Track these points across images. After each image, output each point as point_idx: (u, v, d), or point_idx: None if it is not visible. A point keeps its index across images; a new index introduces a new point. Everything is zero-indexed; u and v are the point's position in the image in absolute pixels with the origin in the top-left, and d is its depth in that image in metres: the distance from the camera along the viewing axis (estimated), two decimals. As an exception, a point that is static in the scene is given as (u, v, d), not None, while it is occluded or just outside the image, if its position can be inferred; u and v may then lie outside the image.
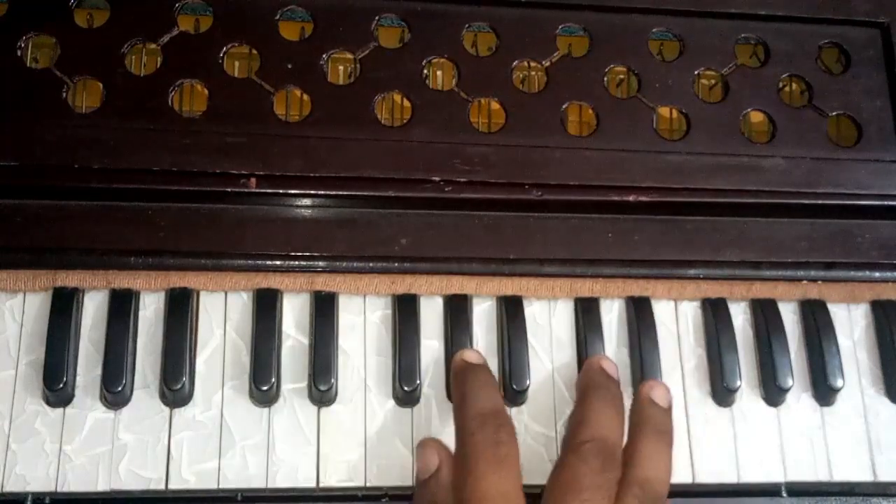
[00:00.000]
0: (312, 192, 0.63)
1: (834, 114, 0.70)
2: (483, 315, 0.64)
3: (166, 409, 0.59)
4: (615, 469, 0.55)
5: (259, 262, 0.63)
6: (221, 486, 0.58)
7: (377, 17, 0.68)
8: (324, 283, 0.63)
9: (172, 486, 0.58)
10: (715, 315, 0.65)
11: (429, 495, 0.56)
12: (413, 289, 0.63)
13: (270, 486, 0.59)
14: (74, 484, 0.57)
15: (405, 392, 0.60)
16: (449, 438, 0.60)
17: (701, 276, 0.66)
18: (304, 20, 0.68)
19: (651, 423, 0.58)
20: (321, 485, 0.59)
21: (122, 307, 0.60)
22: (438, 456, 0.57)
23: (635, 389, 0.62)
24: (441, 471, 0.56)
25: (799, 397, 0.65)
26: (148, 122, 0.63)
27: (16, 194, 0.61)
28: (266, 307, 0.61)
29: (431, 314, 0.63)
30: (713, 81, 0.71)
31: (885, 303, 0.67)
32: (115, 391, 0.58)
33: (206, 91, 0.64)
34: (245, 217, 0.63)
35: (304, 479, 0.59)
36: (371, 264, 0.63)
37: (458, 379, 0.59)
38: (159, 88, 0.64)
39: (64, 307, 0.60)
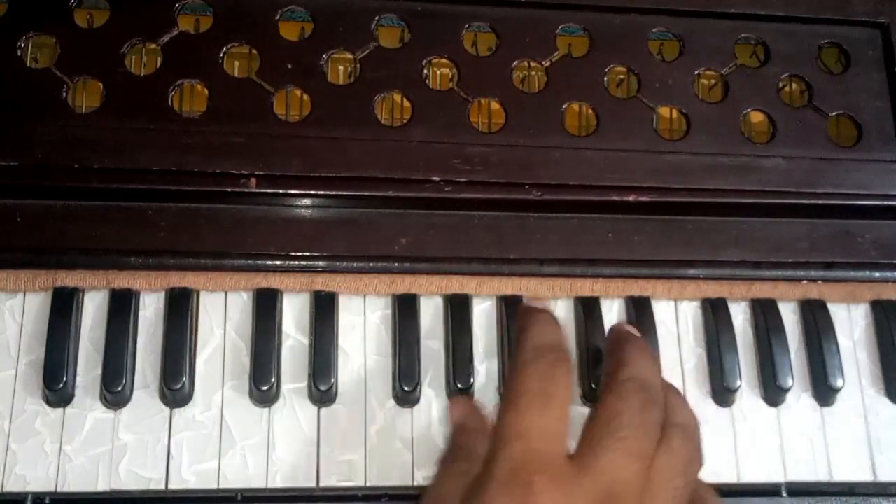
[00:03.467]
0: (312, 192, 0.63)
1: (834, 114, 0.70)
2: (483, 315, 0.64)
3: (166, 409, 0.59)
4: (657, 411, 0.52)
5: (259, 262, 0.63)
6: (221, 486, 0.58)
7: (377, 17, 0.68)
8: (324, 283, 0.63)
9: (172, 486, 0.58)
10: (715, 315, 0.65)
11: (451, 442, 0.55)
12: (413, 289, 0.63)
13: (270, 486, 0.59)
14: (74, 484, 0.57)
15: (405, 392, 0.60)
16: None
17: (701, 276, 0.66)
18: (304, 20, 0.68)
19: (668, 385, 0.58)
20: (321, 485, 0.59)
21: (122, 307, 0.60)
22: (462, 408, 0.57)
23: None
24: (466, 418, 0.56)
25: (799, 397, 0.65)
26: (148, 122, 0.63)
27: (16, 194, 0.61)
28: (266, 307, 0.61)
29: (431, 314, 0.63)
30: (713, 81, 0.71)
31: (885, 303, 0.67)
32: (115, 391, 0.58)
33: (206, 91, 0.64)
34: (245, 217, 0.63)
35: (304, 479, 0.59)
36: (371, 264, 0.63)
37: (521, 317, 0.57)
38: (159, 88, 0.64)
39: (64, 307, 0.60)
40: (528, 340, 0.54)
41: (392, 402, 0.61)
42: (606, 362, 0.57)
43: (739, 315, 0.66)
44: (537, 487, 0.46)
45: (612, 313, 0.65)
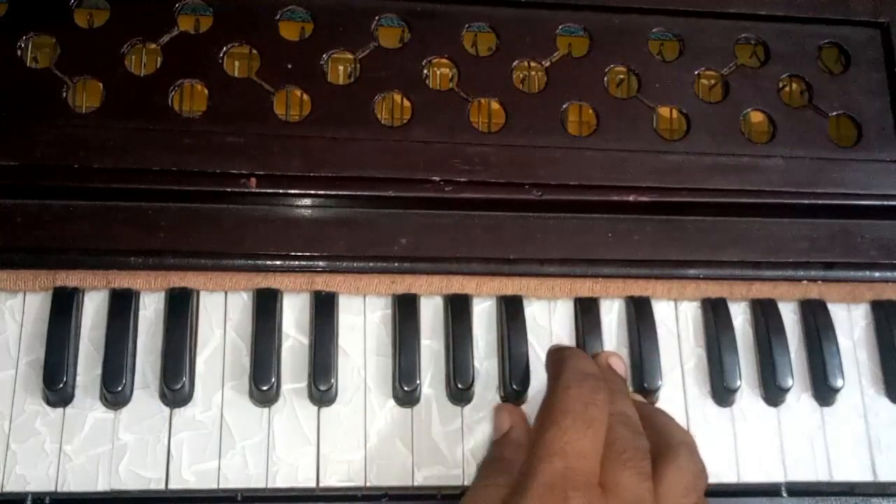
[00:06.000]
0: (312, 192, 0.63)
1: (834, 114, 0.70)
2: (483, 315, 0.64)
3: (166, 409, 0.59)
4: (644, 438, 0.55)
5: (259, 262, 0.63)
6: (221, 486, 0.58)
7: (377, 17, 0.68)
8: (324, 283, 0.63)
9: (172, 486, 0.58)
10: (715, 315, 0.65)
11: (496, 452, 0.57)
12: (413, 289, 0.63)
13: (270, 486, 0.59)
14: (74, 484, 0.57)
15: (405, 392, 0.60)
16: (449, 438, 0.60)
17: (701, 276, 0.66)
18: (304, 20, 0.68)
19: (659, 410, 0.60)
20: (321, 485, 0.59)
21: (122, 307, 0.60)
22: (511, 417, 0.58)
23: (634, 390, 0.62)
24: (513, 430, 0.57)
25: (799, 397, 0.65)
26: (148, 122, 0.63)
27: (16, 194, 0.61)
28: (266, 307, 0.61)
29: (431, 314, 0.63)
30: (713, 81, 0.71)
31: (885, 303, 0.67)
32: (115, 391, 0.58)
33: (206, 91, 0.64)
34: (245, 217, 0.63)
35: (304, 479, 0.59)
36: (371, 264, 0.63)
37: (558, 351, 0.60)
38: (159, 88, 0.64)
39: (64, 307, 0.60)
40: (572, 367, 0.56)
41: (392, 402, 0.61)
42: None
43: (739, 315, 0.66)
44: (574, 503, 0.48)
45: (612, 313, 0.65)
